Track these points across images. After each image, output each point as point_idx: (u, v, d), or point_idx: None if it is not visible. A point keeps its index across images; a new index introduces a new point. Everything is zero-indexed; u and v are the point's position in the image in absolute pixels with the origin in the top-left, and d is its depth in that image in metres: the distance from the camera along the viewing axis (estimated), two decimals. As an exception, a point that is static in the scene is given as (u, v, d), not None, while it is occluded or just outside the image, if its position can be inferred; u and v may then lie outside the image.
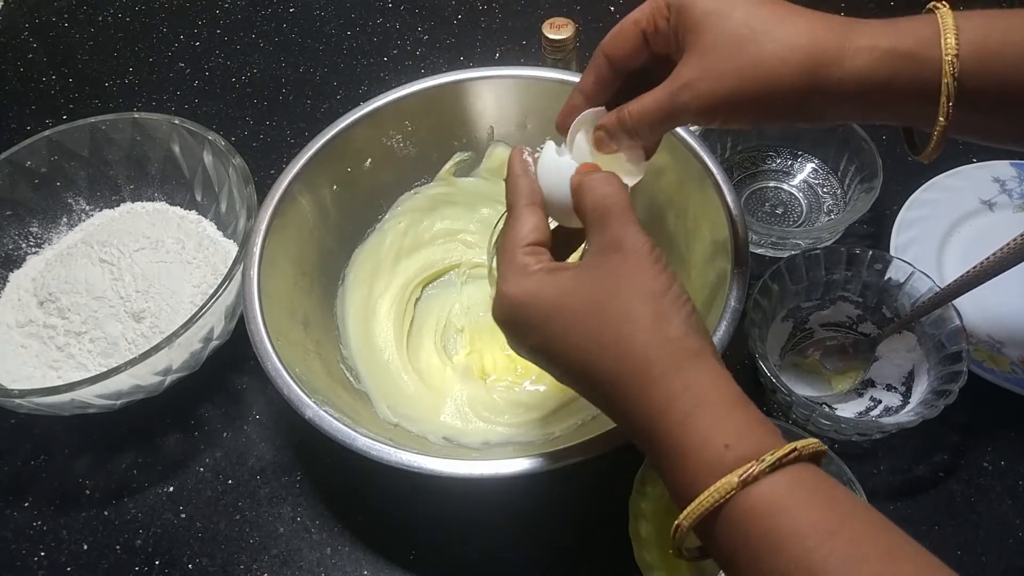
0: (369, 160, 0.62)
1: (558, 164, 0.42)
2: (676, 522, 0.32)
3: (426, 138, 0.64)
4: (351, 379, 0.57)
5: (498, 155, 0.65)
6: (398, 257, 0.65)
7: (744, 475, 0.30)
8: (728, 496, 0.31)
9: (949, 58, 0.35)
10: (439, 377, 0.59)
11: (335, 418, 0.47)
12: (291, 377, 0.48)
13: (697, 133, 0.57)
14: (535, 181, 0.42)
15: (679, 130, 0.56)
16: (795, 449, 0.31)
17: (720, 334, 0.47)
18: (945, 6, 0.37)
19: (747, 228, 0.52)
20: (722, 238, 0.52)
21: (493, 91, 0.63)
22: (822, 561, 0.29)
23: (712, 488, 0.31)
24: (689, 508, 0.32)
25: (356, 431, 0.46)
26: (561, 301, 0.36)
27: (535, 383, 0.59)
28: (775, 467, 0.30)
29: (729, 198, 0.52)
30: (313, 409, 0.47)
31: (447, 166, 0.65)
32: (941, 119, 0.37)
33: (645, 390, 0.34)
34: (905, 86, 0.37)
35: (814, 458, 0.32)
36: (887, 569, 0.28)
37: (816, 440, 0.32)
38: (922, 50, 0.36)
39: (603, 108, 0.44)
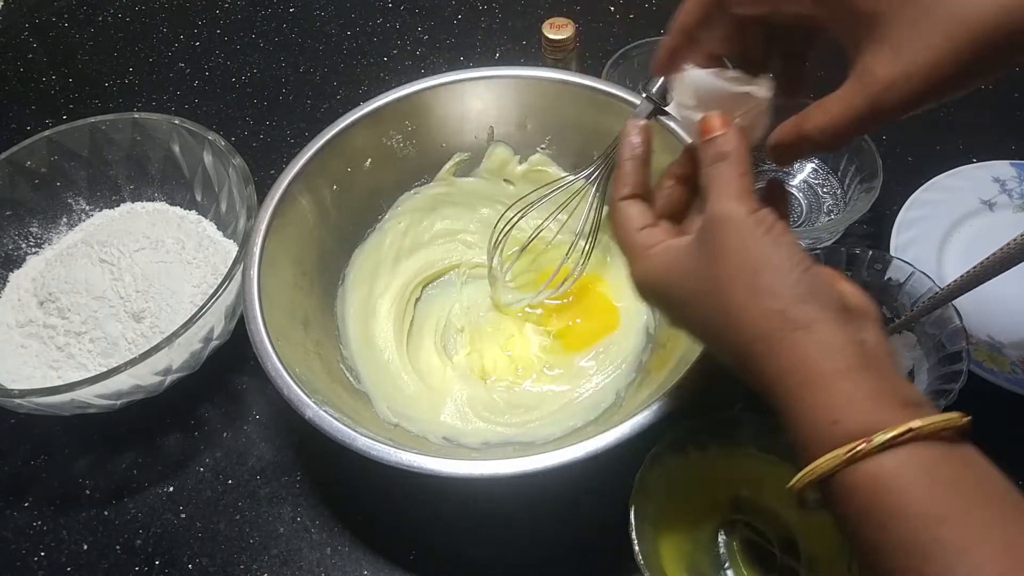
0: (369, 160, 0.62)
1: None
2: (788, 485, 0.33)
3: (426, 138, 0.64)
4: (351, 379, 0.57)
5: (498, 155, 0.65)
6: (398, 257, 0.65)
7: (851, 452, 0.30)
8: (835, 470, 0.30)
9: None
10: (439, 377, 0.59)
11: (335, 418, 0.47)
12: (291, 377, 0.48)
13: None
14: (642, 166, 0.42)
15: (678, 130, 0.56)
16: (910, 430, 0.29)
17: None
18: None
19: None
20: None
21: (492, 91, 0.62)
22: (927, 546, 0.28)
23: (820, 461, 0.31)
24: (800, 474, 0.32)
25: (356, 431, 0.46)
26: (676, 281, 0.38)
27: (535, 383, 0.59)
28: (885, 447, 0.29)
29: None
30: (313, 409, 0.47)
31: (447, 166, 0.65)
32: None
33: (757, 365, 0.34)
34: None
35: (945, 434, 0.30)
36: (1003, 561, 0.27)
37: (951, 415, 0.30)
38: None
39: (715, 72, 0.39)
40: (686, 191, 0.43)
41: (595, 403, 0.56)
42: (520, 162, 0.66)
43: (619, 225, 0.41)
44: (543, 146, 0.64)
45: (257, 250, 0.54)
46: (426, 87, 0.61)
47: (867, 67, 0.34)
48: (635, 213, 0.41)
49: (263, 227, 0.55)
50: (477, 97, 0.63)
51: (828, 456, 0.30)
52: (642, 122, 0.43)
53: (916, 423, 0.30)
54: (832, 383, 0.32)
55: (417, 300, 0.64)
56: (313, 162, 0.58)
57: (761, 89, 0.39)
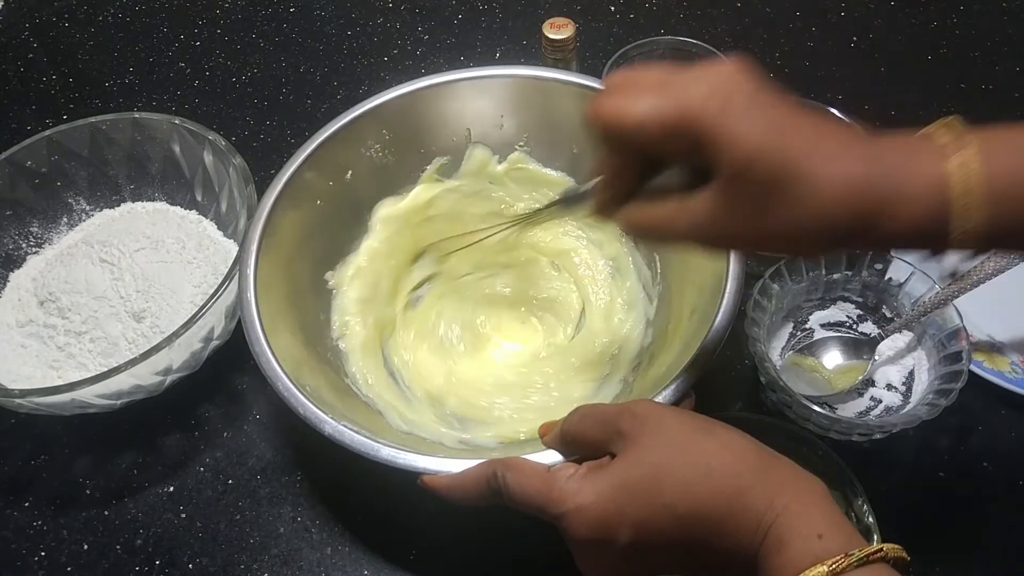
0: (350, 172, 0.61)
1: None
2: None
3: (403, 145, 0.63)
4: (357, 391, 0.56)
5: (477, 156, 0.65)
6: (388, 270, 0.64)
7: (833, 566, 0.32)
8: None
9: (956, 235, 0.33)
10: (445, 381, 0.59)
11: (355, 431, 0.46)
12: (304, 395, 0.47)
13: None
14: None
15: None
16: (881, 549, 0.33)
17: (720, 319, 0.48)
18: (957, 147, 0.33)
19: None
20: None
21: (465, 93, 0.62)
22: None
23: (809, 572, 0.32)
24: None
25: (378, 442, 0.45)
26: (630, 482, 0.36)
27: (542, 376, 0.58)
28: (862, 563, 0.32)
29: None
30: (332, 425, 0.46)
31: (427, 171, 0.65)
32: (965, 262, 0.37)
33: (738, 517, 0.34)
34: (931, 242, 0.35)
35: (898, 564, 0.33)
36: None
37: (899, 547, 0.34)
38: (941, 222, 0.33)
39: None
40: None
41: (605, 397, 0.56)
42: (499, 162, 0.65)
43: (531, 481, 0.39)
44: (521, 144, 0.64)
45: (251, 271, 0.53)
46: (399, 94, 0.61)
47: (704, 199, 0.35)
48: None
49: (254, 248, 0.54)
50: (451, 100, 0.62)
51: (812, 572, 0.32)
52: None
53: (885, 546, 0.33)
54: (812, 504, 0.35)
55: (411, 307, 0.64)
56: (294, 180, 0.57)
57: None
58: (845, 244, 0.36)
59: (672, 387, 0.45)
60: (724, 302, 0.48)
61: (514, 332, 0.63)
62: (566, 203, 0.46)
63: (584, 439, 0.40)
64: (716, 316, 0.48)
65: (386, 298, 0.63)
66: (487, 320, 0.63)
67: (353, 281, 0.62)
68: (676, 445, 0.36)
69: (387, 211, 0.65)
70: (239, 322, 0.60)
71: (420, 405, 0.58)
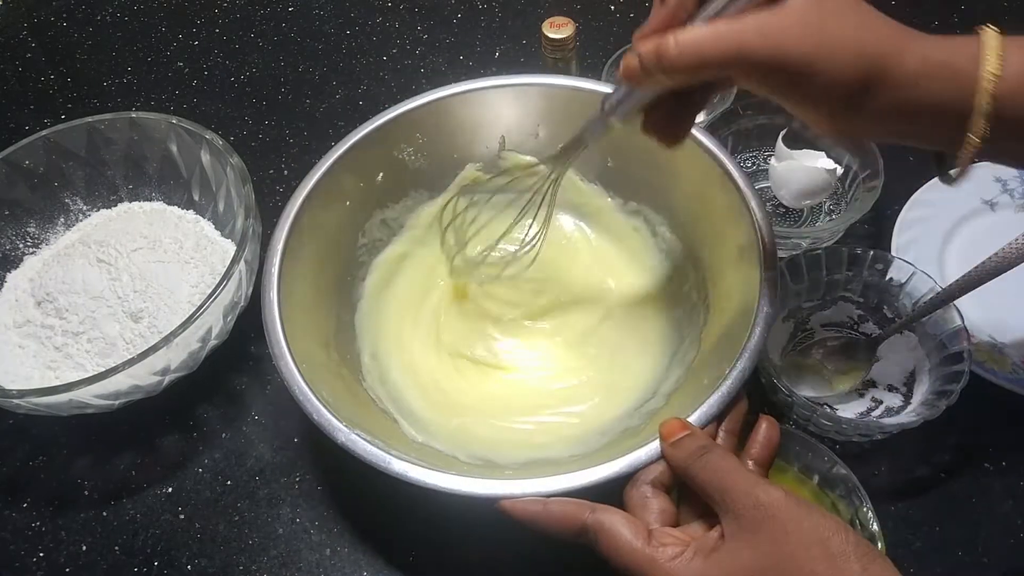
0: (381, 174, 0.61)
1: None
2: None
3: (437, 149, 0.63)
4: (374, 399, 0.56)
5: (515, 159, 0.64)
6: (416, 274, 0.64)
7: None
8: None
9: (987, 76, 0.36)
10: (463, 395, 0.58)
11: (367, 441, 0.45)
12: (320, 401, 0.47)
13: (703, 125, 0.57)
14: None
15: (696, 133, 0.55)
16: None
17: (755, 340, 0.47)
18: (992, 29, 0.37)
19: (773, 232, 0.51)
20: (749, 243, 0.51)
21: (503, 100, 0.62)
22: None
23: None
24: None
25: (390, 454, 0.45)
26: None
27: (565, 392, 0.58)
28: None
29: (753, 202, 0.52)
30: (345, 433, 0.46)
31: (459, 176, 0.65)
32: (975, 139, 0.37)
33: None
34: (946, 102, 0.37)
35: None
36: None
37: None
38: (966, 67, 0.36)
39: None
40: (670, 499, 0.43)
41: (621, 424, 0.55)
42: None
43: (633, 533, 0.39)
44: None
45: (275, 270, 0.52)
46: (436, 98, 0.60)
47: (751, 14, 0.37)
48: (657, 509, 0.41)
49: (279, 247, 0.53)
50: (487, 106, 0.62)
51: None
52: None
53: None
54: None
55: (435, 318, 0.63)
56: (325, 178, 0.57)
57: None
58: (860, 86, 0.36)
59: (722, 390, 0.45)
60: (760, 318, 0.48)
61: (540, 345, 0.61)
62: (608, 110, 0.45)
63: (696, 486, 0.40)
64: (758, 307, 0.48)
65: (410, 305, 0.62)
66: (510, 334, 0.61)
67: (379, 285, 0.62)
68: (787, 555, 0.35)
69: (420, 212, 0.64)
70: (237, 322, 0.60)
71: (437, 418, 0.56)
